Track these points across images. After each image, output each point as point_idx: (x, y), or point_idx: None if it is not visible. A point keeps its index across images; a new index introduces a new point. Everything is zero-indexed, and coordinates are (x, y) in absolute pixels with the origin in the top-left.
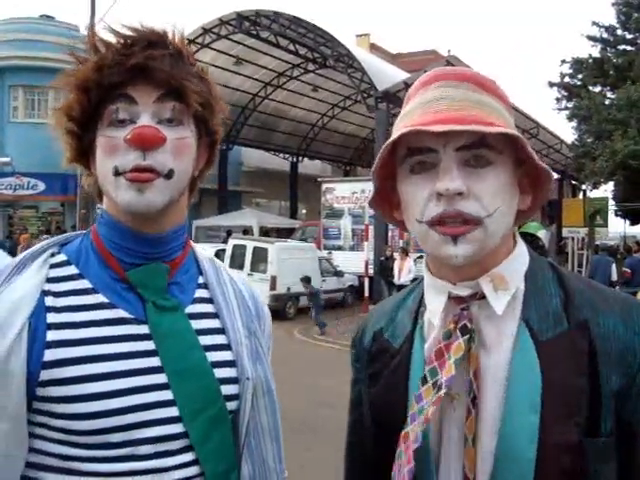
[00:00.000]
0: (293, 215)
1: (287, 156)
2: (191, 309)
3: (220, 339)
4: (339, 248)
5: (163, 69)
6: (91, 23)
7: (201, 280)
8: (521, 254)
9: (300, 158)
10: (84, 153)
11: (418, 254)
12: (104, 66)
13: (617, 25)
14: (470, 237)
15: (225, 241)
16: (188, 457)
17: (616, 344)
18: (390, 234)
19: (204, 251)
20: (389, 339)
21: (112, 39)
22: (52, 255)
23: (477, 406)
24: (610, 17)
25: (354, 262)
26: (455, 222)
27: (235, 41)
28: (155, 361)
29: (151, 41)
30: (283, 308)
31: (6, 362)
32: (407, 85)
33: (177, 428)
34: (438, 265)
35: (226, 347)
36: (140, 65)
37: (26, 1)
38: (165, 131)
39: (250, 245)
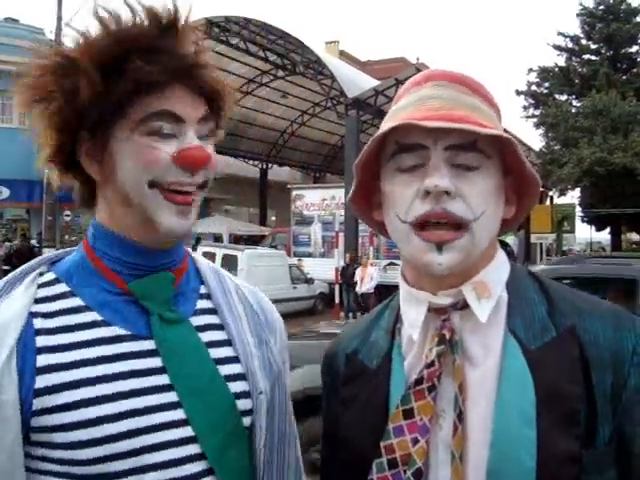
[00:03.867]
0: (263, 222)
1: (257, 163)
2: (194, 321)
3: (228, 352)
4: (309, 255)
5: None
6: (58, 26)
7: (203, 290)
8: (502, 262)
9: (270, 165)
10: (70, 150)
11: (388, 261)
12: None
13: (582, 35)
14: (457, 245)
15: (194, 248)
16: None
17: (606, 348)
18: (360, 241)
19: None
20: (364, 360)
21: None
22: (41, 274)
23: (463, 421)
24: (575, 27)
25: (324, 269)
26: (440, 224)
27: None
28: (164, 379)
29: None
30: None
31: None
32: (377, 92)
33: (192, 449)
34: (416, 275)
35: (235, 360)
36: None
37: None
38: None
39: (220, 252)
